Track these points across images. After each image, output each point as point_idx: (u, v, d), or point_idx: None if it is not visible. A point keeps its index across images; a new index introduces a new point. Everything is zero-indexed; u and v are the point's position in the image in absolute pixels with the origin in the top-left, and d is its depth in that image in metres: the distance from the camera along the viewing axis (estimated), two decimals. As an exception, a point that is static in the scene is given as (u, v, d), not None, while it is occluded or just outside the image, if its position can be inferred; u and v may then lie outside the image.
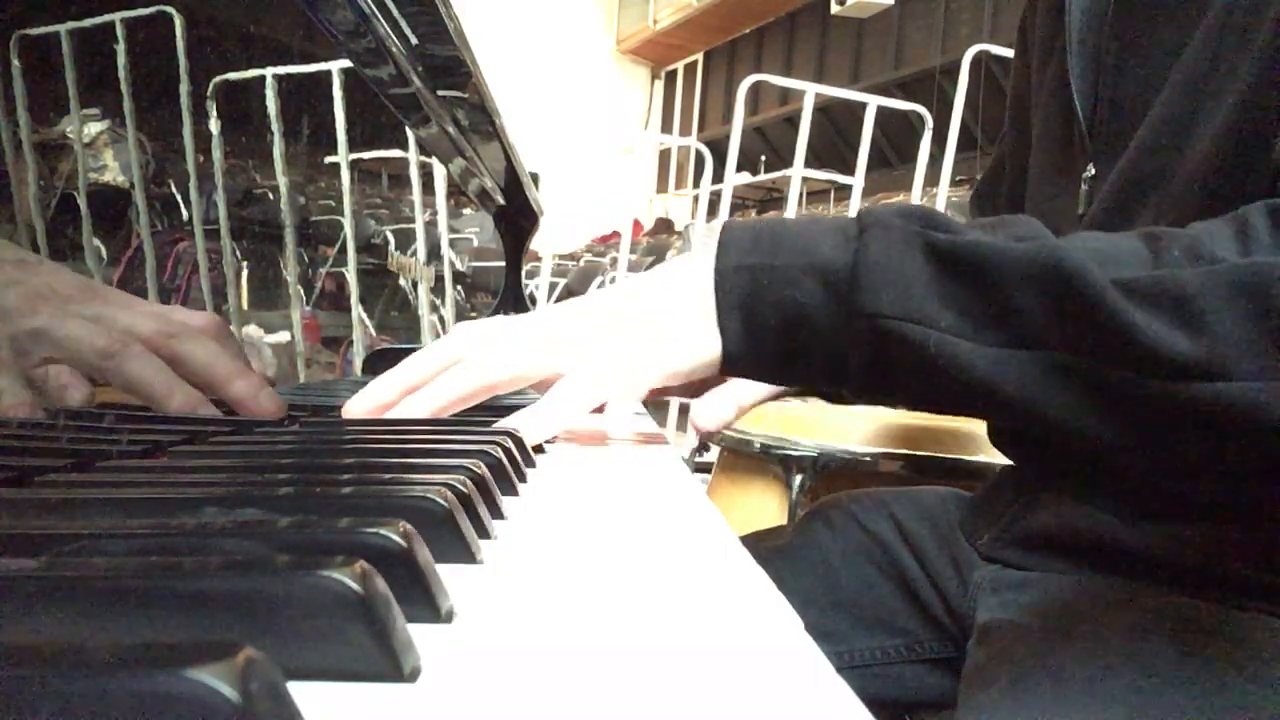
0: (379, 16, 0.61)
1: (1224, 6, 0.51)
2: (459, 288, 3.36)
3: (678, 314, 0.46)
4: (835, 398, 0.64)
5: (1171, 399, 0.38)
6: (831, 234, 0.43)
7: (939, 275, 0.41)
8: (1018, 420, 0.41)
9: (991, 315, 0.40)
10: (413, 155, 2.36)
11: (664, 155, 11.66)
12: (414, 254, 2.60)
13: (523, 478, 0.41)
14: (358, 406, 0.50)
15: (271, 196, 2.19)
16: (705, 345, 0.45)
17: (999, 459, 0.71)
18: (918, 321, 0.40)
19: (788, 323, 0.43)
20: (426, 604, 0.21)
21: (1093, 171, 0.60)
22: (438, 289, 2.63)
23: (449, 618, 0.21)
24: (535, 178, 1.27)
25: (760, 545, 0.81)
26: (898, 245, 0.42)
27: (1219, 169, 0.50)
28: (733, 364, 0.45)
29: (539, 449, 0.49)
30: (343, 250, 2.68)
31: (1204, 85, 0.51)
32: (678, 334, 0.46)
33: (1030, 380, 0.39)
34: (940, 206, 3.36)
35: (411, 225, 2.62)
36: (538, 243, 2.03)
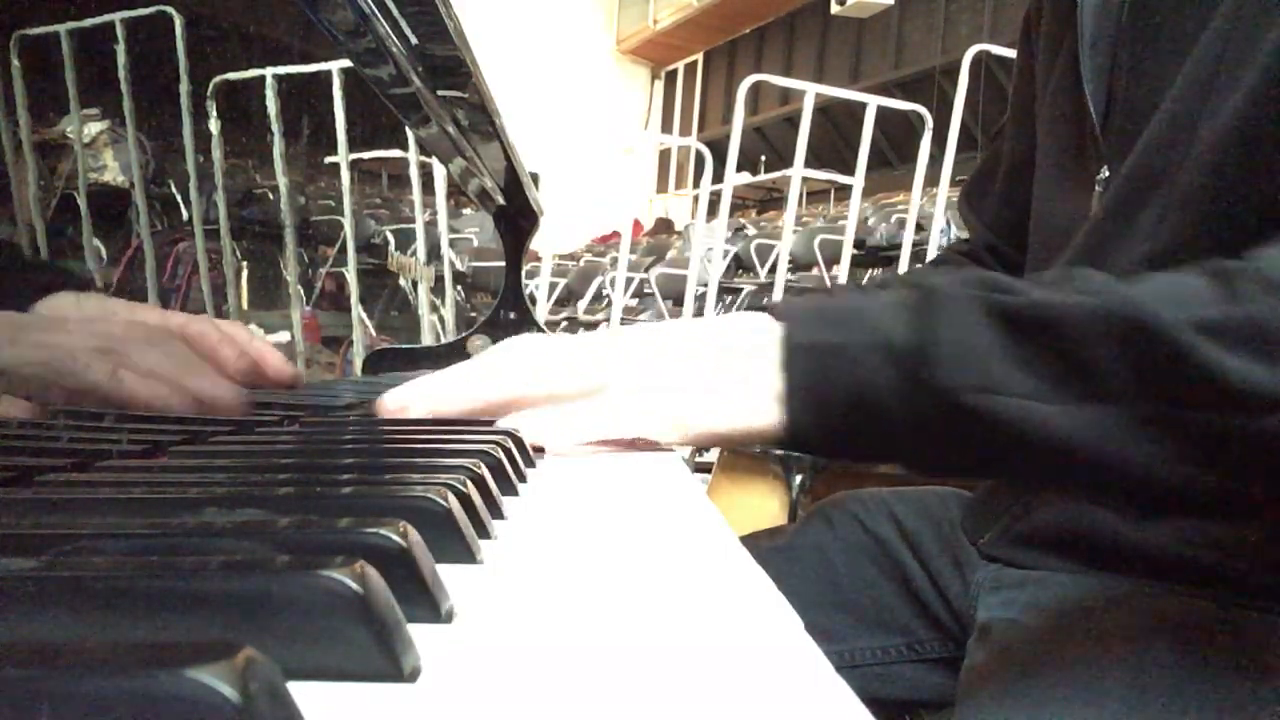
0: (379, 16, 0.61)
1: (1233, 5, 0.51)
2: (459, 288, 3.36)
3: (737, 377, 0.44)
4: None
5: (1258, 435, 0.37)
6: (896, 309, 0.42)
7: (1010, 341, 0.40)
8: (1100, 477, 0.40)
9: (1069, 375, 0.39)
10: (413, 155, 2.36)
11: (664, 155, 11.67)
12: (414, 254, 2.60)
13: (523, 478, 0.41)
14: (390, 406, 0.49)
15: (271, 196, 2.19)
16: (763, 417, 0.43)
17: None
18: (995, 391, 0.39)
19: (858, 403, 0.42)
20: (426, 604, 0.21)
21: (1107, 174, 0.60)
22: (438, 289, 2.63)
23: (449, 618, 0.21)
24: (535, 178, 1.27)
25: (760, 545, 0.81)
26: (964, 316, 0.41)
27: (1224, 167, 0.49)
28: (797, 442, 0.44)
29: (539, 449, 0.49)
30: (343, 250, 2.68)
31: (1210, 83, 0.51)
32: (734, 397, 0.44)
33: (1113, 435, 0.39)
34: (940, 206, 3.36)
35: (411, 225, 2.62)
36: (538, 243, 2.03)
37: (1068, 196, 0.65)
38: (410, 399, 0.49)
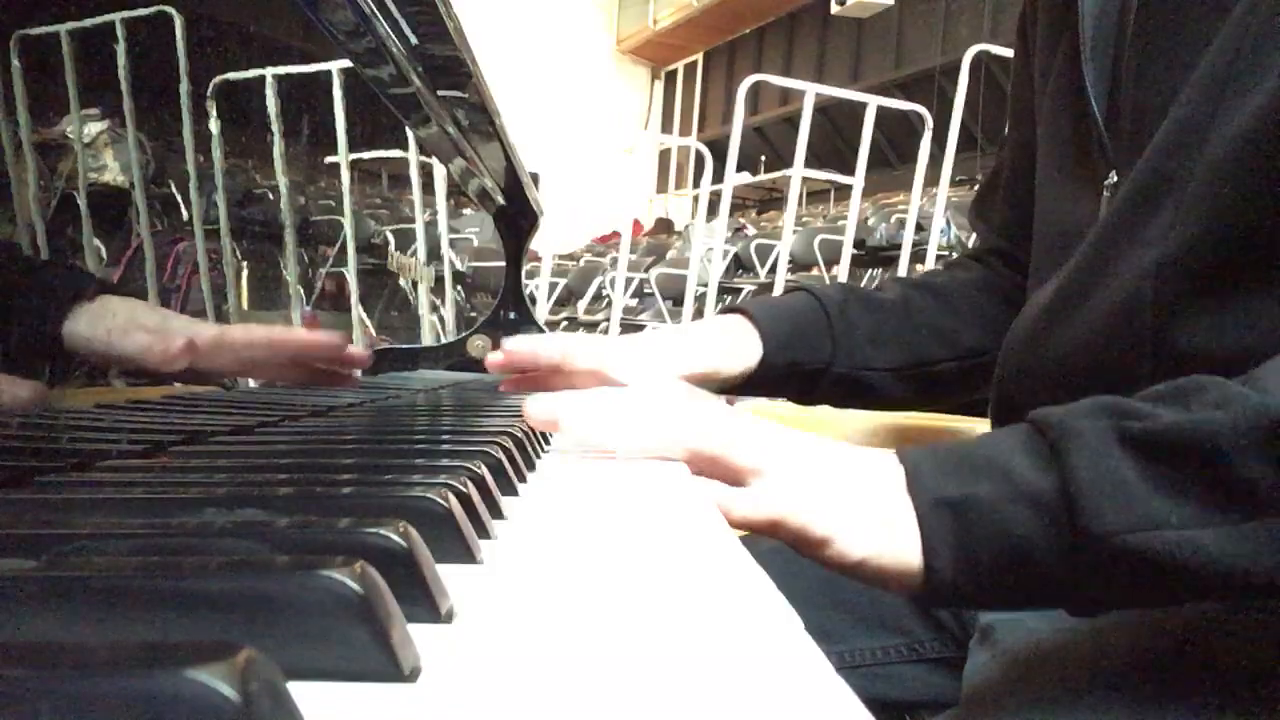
0: (379, 16, 0.61)
1: (1244, 10, 0.51)
2: (459, 288, 3.35)
3: (885, 515, 0.43)
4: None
5: None
6: (1024, 454, 0.42)
7: (1153, 471, 0.39)
8: (1264, 592, 0.39)
9: (1222, 495, 0.38)
10: (413, 155, 2.36)
11: (664, 155, 11.67)
12: (414, 254, 2.60)
13: (523, 478, 0.41)
14: (550, 417, 0.47)
15: (271, 196, 2.19)
16: (905, 562, 0.43)
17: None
18: (1149, 528, 0.39)
19: (1007, 557, 0.41)
20: (426, 604, 0.21)
21: (1115, 179, 0.59)
22: (438, 289, 2.63)
23: (449, 618, 0.21)
24: (535, 178, 1.27)
25: (760, 545, 0.80)
26: (1100, 452, 0.40)
27: (1236, 175, 0.49)
28: (942, 596, 0.43)
29: (539, 450, 0.49)
30: (343, 250, 2.68)
31: (1222, 90, 0.51)
32: (877, 536, 0.43)
33: (1277, 548, 0.38)
34: (940, 206, 3.36)
35: (411, 225, 2.62)
36: (538, 243, 2.03)
37: (1072, 200, 0.64)
38: (567, 418, 0.48)
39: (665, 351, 0.70)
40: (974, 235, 0.87)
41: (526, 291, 1.24)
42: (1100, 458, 0.39)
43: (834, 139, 7.67)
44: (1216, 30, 0.52)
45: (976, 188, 0.88)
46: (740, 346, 0.73)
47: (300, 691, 0.14)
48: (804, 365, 0.74)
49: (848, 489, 0.44)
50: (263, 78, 2.14)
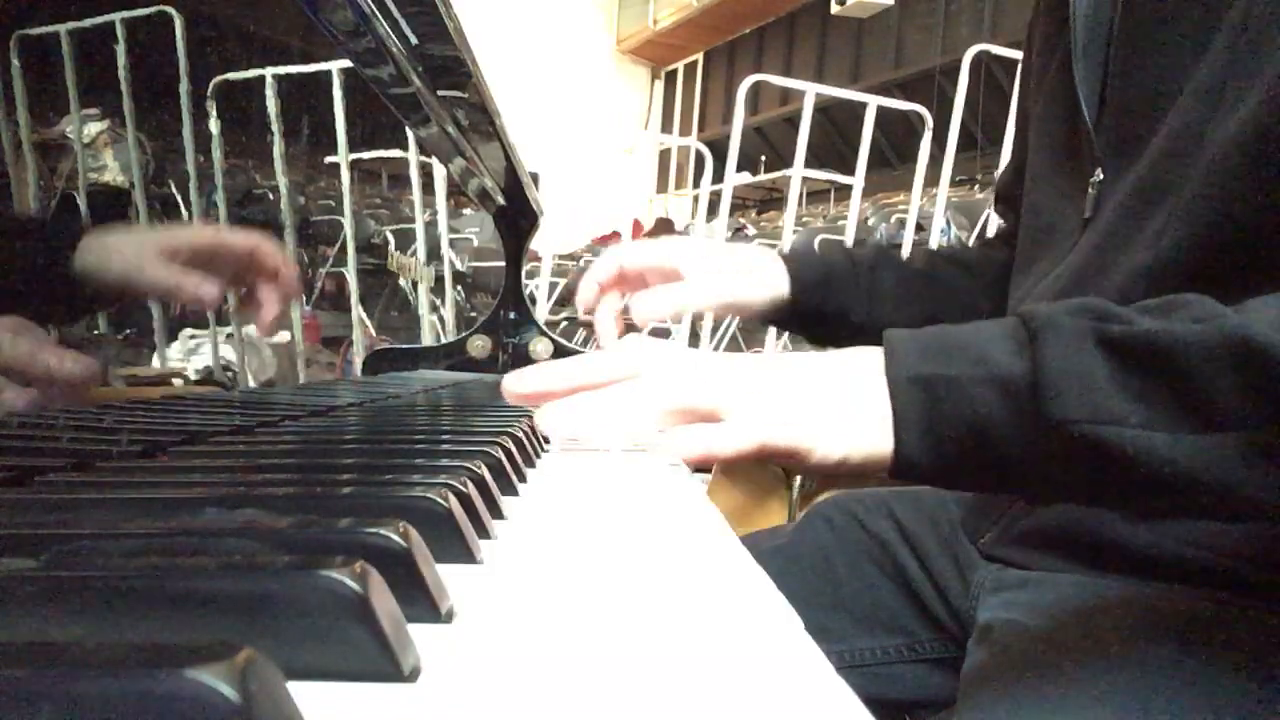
0: (379, 16, 0.61)
1: (1239, 17, 0.51)
2: (459, 288, 3.35)
3: (856, 408, 0.45)
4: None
5: None
6: (1001, 340, 0.43)
7: (1122, 370, 0.40)
8: (1216, 503, 0.40)
9: (1185, 404, 0.39)
10: (413, 155, 2.35)
11: (664, 155, 11.66)
12: (414, 254, 2.60)
13: (523, 478, 0.41)
14: (519, 387, 0.47)
15: (271, 196, 2.18)
16: (879, 447, 0.44)
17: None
18: (1108, 422, 0.40)
19: (971, 436, 0.42)
20: (426, 604, 0.21)
21: (1101, 176, 0.60)
22: (438, 289, 2.63)
23: (449, 618, 0.21)
24: (535, 178, 1.27)
25: (760, 545, 0.81)
26: (1073, 345, 0.41)
27: (1231, 181, 0.50)
28: (908, 473, 0.44)
29: (538, 450, 0.49)
30: (343, 250, 2.68)
31: (1218, 95, 0.51)
32: (849, 428, 0.44)
33: (1231, 463, 0.39)
34: (940, 206, 3.36)
35: (411, 225, 2.62)
36: (538, 243, 2.02)
37: (1059, 195, 0.65)
38: (549, 425, 0.46)
39: (707, 269, 0.76)
40: (999, 221, 0.90)
41: (526, 291, 1.24)
42: (1073, 351, 0.40)
43: (834, 139, 7.67)
44: (1209, 35, 0.53)
45: (977, 178, 0.91)
46: (769, 279, 0.79)
47: (300, 691, 0.14)
48: (825, 309, 0.80)
49: (819, 393, 0.45)
50: (263, 78, 2.14)
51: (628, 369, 0.48)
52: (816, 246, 3.00)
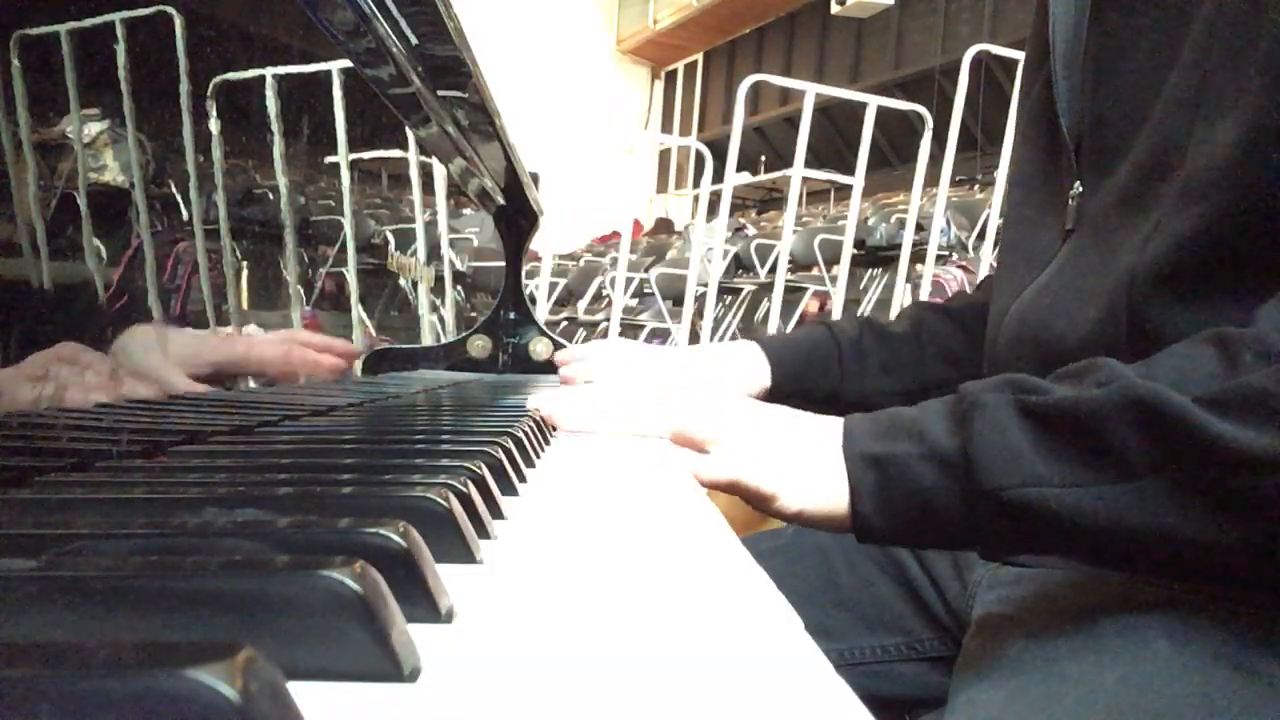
0: (379, 16, 0.61)
1: (1205, 27, 0.52)
2: (459, 288, 3.35)
3: (821, 474, 0.51)
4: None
5: (1268, 492, 0.41)
6: (940, 419, 0.48)
7: (1040, 437, 0.45)
8: (1143, 548, 0.44)
9: (1096, 460, 0.44)
10: (413, 155, 2.35)
11: (664, 155, 11.67)
12: (414, 254, 2.60)
13: (523, 477, 0.41)
14: (568, 423, 0.62)
15: (271, 196, 2.18)
16: (835, 509, 0.50)
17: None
18: (1033, 484, 0.44)
19: (917, 505, 0.47)
20: (426, 604, 0.21)
21: (1080, 189, 0.61)
22: (438, 289, 2.63)
23: (449, 618, 0.21)
24: (535, 178, 1.27)
25: (760, 545, 0.81)
26: (998, 419, 0.46)
27: (1217, 188, 0.50)
28: (869, 538, 0.50)
29: (539, 449, 0.49)
30: (343, 250, 2.68)
31: (1196, 106, 0.52)
32: (813, 489, 0.51)
33: (1144, 508, 0.43)
34: (940, 206, 3.36)
35: (411, 225, 2.62)
36: (538, 243, 2.02)
37: (1039, 208, 0.66)
38: (562, 414, 0.62)
39: (678, 368, 0.83)
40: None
41: (526, 291, 1.24)
42: (998, 424, 0.46)
43: (834, 139, 7.67)
44: (1175, 50, 0.54)
45: (978, 178, 0.91)
46: (747, 373, 0.82)
47: (300, 691, 0.14)
48: (813, 392, 0.82)
49: (790, 451, 0.53)
50: (263, 78, 2.14)
51: (658, 405, 0.58)
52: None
